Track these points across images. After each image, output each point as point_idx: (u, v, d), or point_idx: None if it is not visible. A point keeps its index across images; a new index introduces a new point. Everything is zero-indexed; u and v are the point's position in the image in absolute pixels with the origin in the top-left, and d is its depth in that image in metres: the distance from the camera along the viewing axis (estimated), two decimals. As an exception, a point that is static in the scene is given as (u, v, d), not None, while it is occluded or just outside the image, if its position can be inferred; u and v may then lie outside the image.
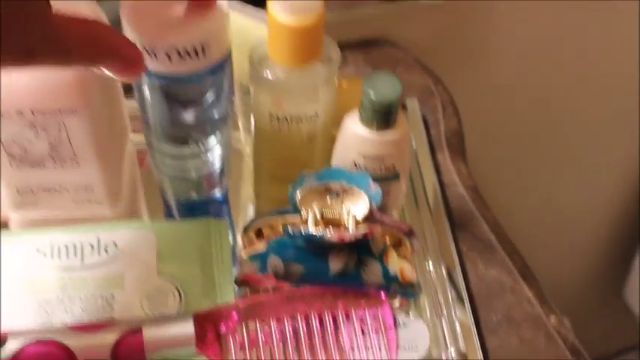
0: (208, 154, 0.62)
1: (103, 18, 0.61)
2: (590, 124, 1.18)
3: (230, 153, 0.65)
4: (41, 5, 0.39)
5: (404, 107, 0.79)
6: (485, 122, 1.06)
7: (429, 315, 0.64)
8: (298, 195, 0.60)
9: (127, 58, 0.46)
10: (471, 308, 0.66)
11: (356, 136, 0.61)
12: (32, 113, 0.57)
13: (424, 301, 0.65)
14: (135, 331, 0.56)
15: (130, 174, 0.70)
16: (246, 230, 0.63)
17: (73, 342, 0.55)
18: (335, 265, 0.60)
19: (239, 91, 0.69)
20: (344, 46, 0.86)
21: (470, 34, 0.98)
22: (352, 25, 0.89)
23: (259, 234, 0.63)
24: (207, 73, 0.55)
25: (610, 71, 1.10)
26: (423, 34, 0.94)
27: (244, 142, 0.73)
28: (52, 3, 0.47)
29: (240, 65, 0.66)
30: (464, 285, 0.67)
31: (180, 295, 0.61)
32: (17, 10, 0.38)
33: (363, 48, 0.89)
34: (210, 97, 0.57)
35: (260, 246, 0.61)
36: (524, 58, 1.04)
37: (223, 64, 0.56)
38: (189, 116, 0.58)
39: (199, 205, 0.66)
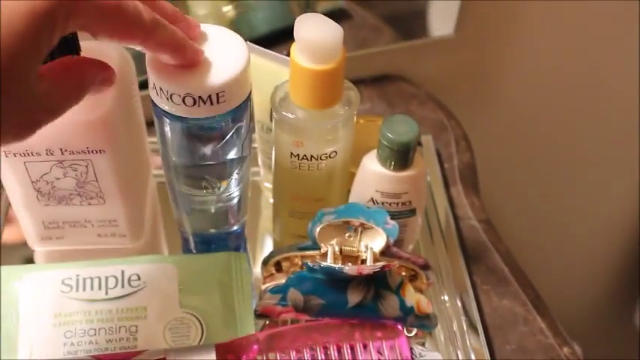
0: (226, 193, 0.64)
1: (128, 59, 0.63)
2: (602, 158, 1.19)
3: (249, 189, 0.67)
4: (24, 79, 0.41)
5: (419, 144, 0.80)
6: (497, 155, 1.08)
7: (444, 345, 0.66)
8: (317, 230, 0.62)
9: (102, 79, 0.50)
10: (485, 338, 0.67)
11: (374, 174, 0.63)
12: (61, 152, 0.60)
13: (440, 332, 0.67)
14: (159, 360, 0.58)
15: (151, 208, 0.72)
16: (265, 263, 0.65)
17: (99, 373, 0.57)
18: (353, 298, 0.62)
19: (259, 128, 0.71)
20: (358, 82, 0.89)
21: (481, 67, 1.00)
22: (366, 61, 0.91)
23: (278, 267, 0.65)
24: (225, 117, 0.56)
25: (623, 108, 1.12)
26: (435, 69, 0.96)
27: (263, 177, 0.75)
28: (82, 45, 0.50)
29: (260, 103, 0.68)
30: (478, 315, 0.68)
31: (202, 326, 0.62)
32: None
33: (377, 84, 0.91)
34: (229, 138, 0.59)
35: (280, 279, 0.63)
36: (536, 91, 1.06)
37: (242, 108, 0.57)
38: (208, 156, 0.60)
39: (216, 239, 0.68)
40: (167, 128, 0.58)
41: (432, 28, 0.90)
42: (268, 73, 0.65)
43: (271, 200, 0.74)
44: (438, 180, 0.79)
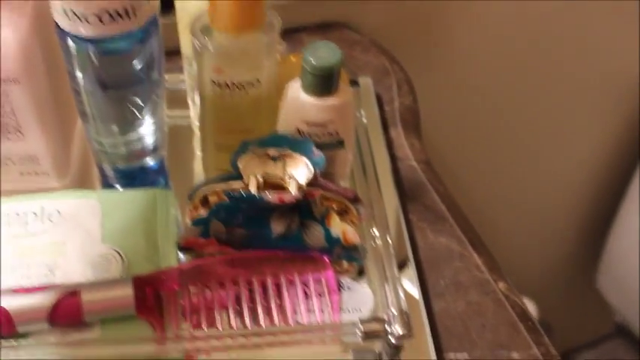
0: (139, 124, 0.63)
1: None
2: (563, 101, 1.18)
3: (164, 121, 0.66)
4: None
5: (356, 83, 0.79)
6: (444, 102, 1.06)
7: (375, 280, 0.64)
8: (241, 161, 0.60)
9: None
10: (418, 273, 0.66)
11: (298, 102, 0.62)
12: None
13: (371, 267, 0.65)
14: (73, 293, 0.56)
15: (80, 144, 0.70)
16: (191, 197, 0.63)
17: (10, 304, 0.55)
18: (277, 228, 0.60)
19: (188, 65, 0.69)
20: (302, 29, 0.88)
21: (427, 15, 0.98)
22: (310, 9, 0.89)
23: (205, 202, 0.63)
24: (135, 36, 0.56)
25: (574, 51, 1.11)
26: (381, 17, 0.95)
27: (194, 117, 0.73)
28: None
29: (186, 40, 0.66)
30: (410, 250, 0.67)
31: (123, 261, 0.61)
32: None
33: (320, 31, 0.90)
34: (139, 64, 0.58)
35: (203, 212, 0.61)
36: (483, 37, 1.04)
37: (150, 27, 0.57)
38: (118, 82, 0.59)
39: (137, 175, 0.67)
40: (73, 52, 0.56)
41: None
42: (194, 6, 0.64)
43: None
44: (376, 121, 0.78)
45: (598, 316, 1.46)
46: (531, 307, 1.26)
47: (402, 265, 0.66)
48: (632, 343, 1.43)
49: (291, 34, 0.88)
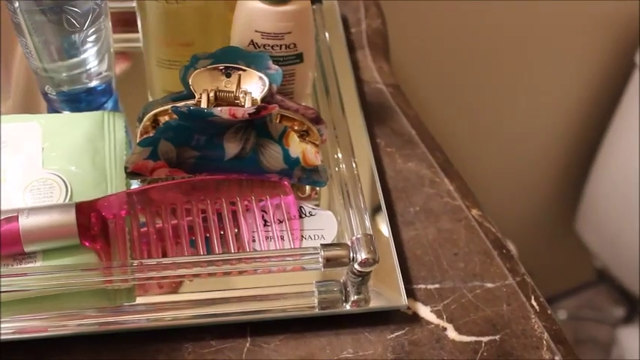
0: (83, 40, 0.58)
1: None
2: (543, 33, 1.13)
3: (109, 44, 0.61)
4: None
5: (319, 1, 0.74)
6: (415, 27, 1.01)
7: (340, 207, 0.60)
8: (191, 76, 0.56)
9: None
10: (385, 200, 0.61)
11: (251, 10, 0.57)
12: None
13: (335, 193, 0.61)
14: (10, 220, 0.52)
15: (23, 71, 0.66)
16: (140, 120, 0.58)
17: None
18: (231, 148, 0.56)
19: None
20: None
21: None
22: None
23: (155, 123, 0.58)
24: None
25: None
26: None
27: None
28: None
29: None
30: (377, 175, 0.62)
31: (67, 187, 0.56)
32: None
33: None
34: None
35: (151, 132, 0.57)
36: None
37: None
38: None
39: (82, 98, 0.62)
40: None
41: None
42: None
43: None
44: (342, 43, 0.73)
45: (578, 262, 1.44)
46: (512, 250, 1.23)
47: (368, 191, 0.61)
48: (612, 288, 1.42)
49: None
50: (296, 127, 0.58)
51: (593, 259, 1.41)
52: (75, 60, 0.59)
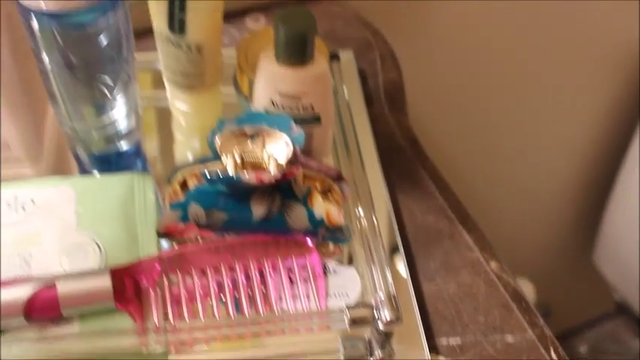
0: (111, 106, 0.60)
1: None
2: (557, 73, 1.15)
3: (138, 104, 0.64)
4: None
5: (337, 57, 0.76)
6: (430, 77, 1.04)
7: (362, 263, 0.62)
8: (218, 141, 0.58)
9: None
10: (406, 254, 0.63)
11: (269, 71, 0.59)
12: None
13: (357, 249, 0.63)
14: (49, 286, 0.54)
15: (54, 132, 0.68)
16: (169, 181, 0.61)
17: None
18: (258, 210, 0.58)
19: (160, 41, 0.66)
20: (285, 2, 0.85)
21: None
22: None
23: (184, 185, 0.61)
24: (99, 10, 0.54)
25: (563, 31, 1.09)
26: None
27: (171, 97, 0.70)
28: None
29: (157, 12, 0.63)
30: (397, 231, 0.64)
31: (100, 250, 0.58)
32: None
33: (301, 5, 0.87)
34: (106, 40, 0.56)
35: (181, 195, 0.59)
36: (470, 13, 1.02)
37: (115, 2, 0.55)
38: (87, 64, 0.56)
39: (113, 159, 0.64)
40: (36, 31, 0.54)
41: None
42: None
43: (182, 122, 0.71)
44: (359, 97, 0.75)
45: (597, 295, 1.45)
46: (529, 289, 1.24)
47: (389, 246, 0.63)
48: (631, 321, 1.42)
49: (274, 8, 0.86)
50: (318, 186, 0.60)
51: (612, 291, 1.42)
52: (104, 121, 0.61)
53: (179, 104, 0.69)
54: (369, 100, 0.77)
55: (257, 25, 0.84)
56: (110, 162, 0.64)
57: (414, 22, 0.99)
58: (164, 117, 0.72)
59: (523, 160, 1.27)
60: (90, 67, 0.57)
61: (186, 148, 0.72)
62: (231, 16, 0.84)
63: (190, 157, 0.72)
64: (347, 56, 0.79)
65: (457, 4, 1.00)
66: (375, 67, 0.81)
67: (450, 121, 1.13)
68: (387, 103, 0.77)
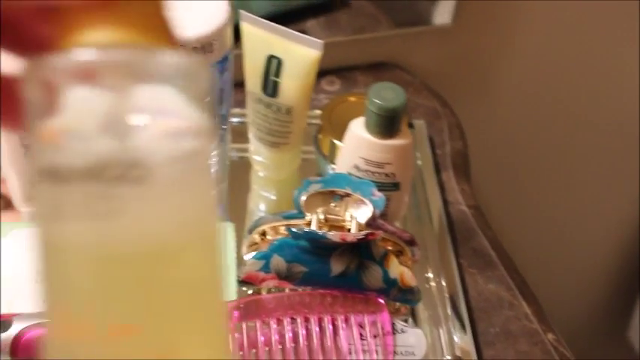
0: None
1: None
2: (600, 154, 1.18)
3: (227, 156, 0.68)
4: None
5: (411, 126, 0.80)
6: (492, 146, 1.07)
7: (427, 324, 0.65)
8: (303, 199, 0.62)
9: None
10: (469, 319, 0.66)
11: (358, 139, 0.63)
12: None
13: (423, 311, 0.66)
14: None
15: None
16: (250, 231, 0.64)
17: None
18: (336, 267, 0.61)
19: (251, 100, 0.70)
20: (354, 69, 0.89)
21: (478, 57, 1.00)
22: (363, 48, 0.91)
23: (263, 236, 0.64)
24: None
25: (624, 102, 1.12)
26: (432, 58, 0.96)
27: (253, 151, 0.74)
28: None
29: (252, 73, 0.67)
30: (463, 296, 0.67)
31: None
32: None
33: (373, 71, 0.91)
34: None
35: (264, 246, 0.62)
36: (532, 83, 1.06)
37: (223, 65, 0.59)
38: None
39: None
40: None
41: (430, 16, 0.90)
42: (260, 41, 0.65)
43: (261, 174, 0.74)
44: (430, 165, 0.79)
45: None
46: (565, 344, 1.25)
47: (453, 310, 0.66)
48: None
49: (345, 72, 0.90)
50: (390, 247, 0.64)
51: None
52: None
53: (260, 158, 0.73)
54: (437, 168, 0.81)
55: (332, 87, 0.88)
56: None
57: (480, 92, 1.03)
58: (239, 167, 0.75)
59: (569, 234, 1.30)
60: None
61: (260, 199, 0.76)
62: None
63: (262, 208, 0.76)
64: (419, 124, 0.83)
65: (518, 74, 1.04)
66: (443, 137, 0.84)
67: (510, 189, 1.16)
68: (453, 171, 0.81)
